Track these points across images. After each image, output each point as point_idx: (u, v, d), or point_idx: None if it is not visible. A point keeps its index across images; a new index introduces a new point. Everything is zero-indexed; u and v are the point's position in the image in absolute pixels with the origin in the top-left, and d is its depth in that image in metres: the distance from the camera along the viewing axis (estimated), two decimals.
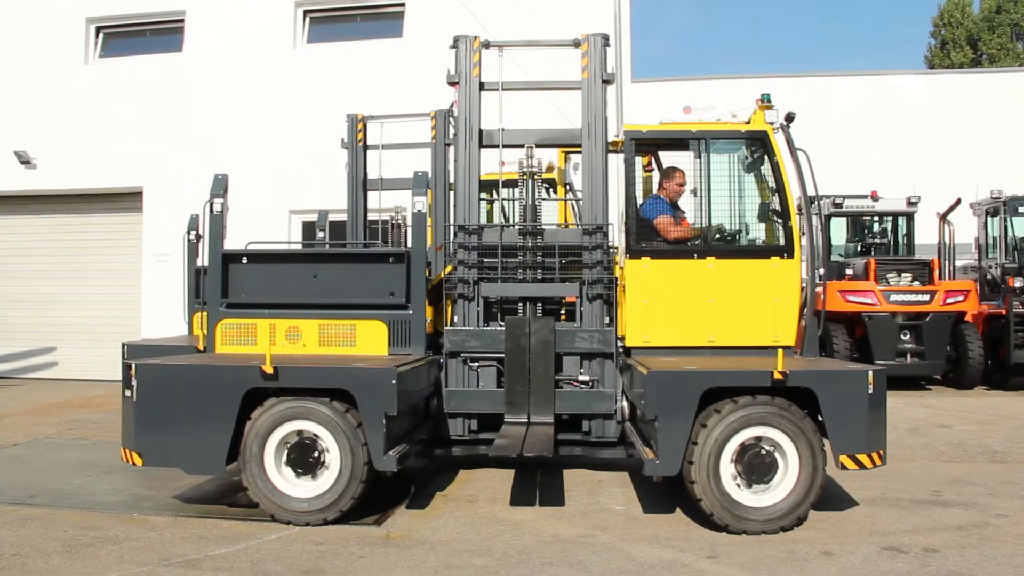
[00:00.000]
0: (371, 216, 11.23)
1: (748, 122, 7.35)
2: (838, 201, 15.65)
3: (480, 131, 7.61)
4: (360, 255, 7.78)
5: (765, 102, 7.27)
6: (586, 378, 7.35)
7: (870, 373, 6.02)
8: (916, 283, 14.45)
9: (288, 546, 5.71)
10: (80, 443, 9.77)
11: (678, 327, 7.19)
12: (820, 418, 6.06)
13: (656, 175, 7.98)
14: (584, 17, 19.36)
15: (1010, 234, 15.67)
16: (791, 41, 65.72)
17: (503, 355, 7.28)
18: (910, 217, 16.33)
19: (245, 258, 7.41)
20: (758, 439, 6.02)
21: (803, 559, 5.45)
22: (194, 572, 5.26)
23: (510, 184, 11.42)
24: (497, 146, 7.67)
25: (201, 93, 17.51)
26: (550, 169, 11.41)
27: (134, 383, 6.27)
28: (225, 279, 7.25)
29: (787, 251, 7.18)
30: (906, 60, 61.30)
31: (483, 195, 11.93)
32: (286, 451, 6.26)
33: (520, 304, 7.48)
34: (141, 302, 16.94)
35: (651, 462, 5.97)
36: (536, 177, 7.63)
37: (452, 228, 7.55)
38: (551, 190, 11.23)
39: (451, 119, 7.70)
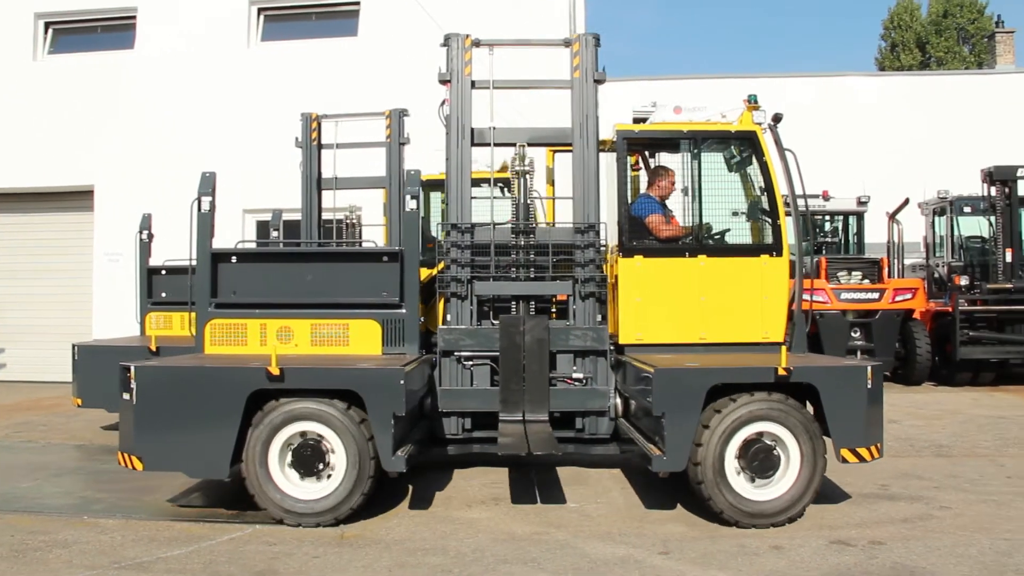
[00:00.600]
0: (325, 215, 11.16)
1: (737, 123, 7.55)
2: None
3: (472, 129, 7.64)
4: (353, 254, 7.81)
5: (752, 103, 7.46)
6: (580, 376, 7.43)
7: (868, 369, 6.22)
8: (866, 281, 14.74)
9: (241, 547, 5.68)
10: (28, 446, 9.63)
11: (670, 324, 7.33)
12: (816, 413, 6.27)
13: (643, 174, 8.18)
14: (539, 18, 19.39)
15: (956, 233, 16.05)
16: (747, 42, 66.37)
17: (497, 353, 7.33)
18: (860, 216, 16.62)
19: (234, 257, 7.39)
20: (760, 434, 6.17)
21: (753, 553, 5.56)
22: (145, 575, 5.17)
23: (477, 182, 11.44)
24: (488, 144, 7.73)
25: (153, 91, 17.27)
26: (504, 169, 11.41)
27: (133, 385, 6.15)
28: (214, 278, 7.18)
29: (776, 249, 7.36)
30: (858, 62, 62.13)
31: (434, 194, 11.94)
32: (290, 453, 6.23)
33: (512, 303, 7.54)
34: (92, 302, 16.67)
35: (658, 458, 6.07)
36: (528, 176, 7.80)
37: (445, 227, 7.56)
38: (506, 190, 11.22)
39: (442, 117, 7.83)
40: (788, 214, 7.40)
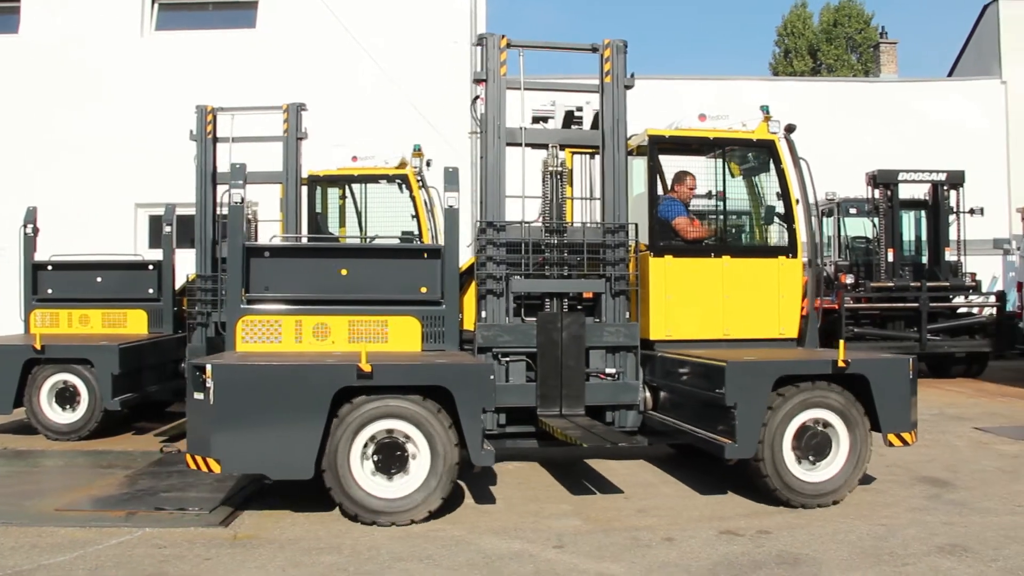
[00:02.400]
0: (221, 210, 10.90)
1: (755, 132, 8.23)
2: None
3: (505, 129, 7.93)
4: (392, 250, 8.03)
5: (766, 113, 8.15)
6: (612, 371, 7.85)
7: (910, 361, 7.07)
8: None
9: (130, 551, 5.66)
10: None
11: (697, 321, 7.95)
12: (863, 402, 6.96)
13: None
14: (440, 15, 19.38)
15: (842, 234, 16.69)
16: (647, 44, 67.43)
17: (533, 349, 7.67)
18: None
19: (268, 252, 7.42)
20: (816, 421, 6.87)
21: (646, 545, 5.90)
22: None
23: (366, 180, 11.37)
24: (520, 144, 8.00)
25: (40, 79, 16.69)
26: (403, 165, 11.39)
27: (210, 385, 6.11)
28: (246, 273, 7.20)
29: (791, 251, 8.11)
30: (753, 67, 63.70)
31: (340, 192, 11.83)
32: (372, 451, 6.37)
33: (541, 300, 7.89)
34: None
35: (731, 446, 6.63)
36: (561, 176, 8.06)
37: (480, 224, 7.82)
38: (403, 186, 11.20)
39: (474, 116, 8.14)
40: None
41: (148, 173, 16.61)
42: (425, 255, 7.44)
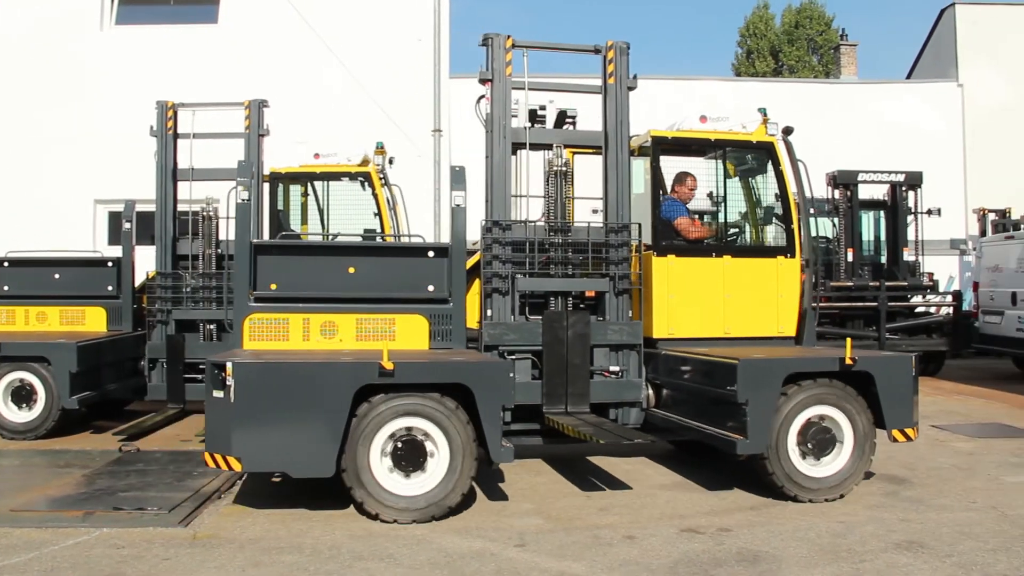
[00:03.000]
0: (181, 207, 10.83)
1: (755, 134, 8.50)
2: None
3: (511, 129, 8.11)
4: (399, 248, 8.14)
5: (765, 115, 8.41)
6: (616, 369, 8.04)
7: (913, 358, 7.36)
8: None
9: (87, 551, 5.63)
10: None
11: (699, 320, 8.18)
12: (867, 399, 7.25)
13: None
14: (404, 13, 19.30)
15: None
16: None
17: (540, 348, 7.81)
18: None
19: (276, 249, 7.53)
20: (821, 417, 7.12)
21: (607, 544, 5.97)
22: None
23: (329, 177, 11.32)
24: (524, 145, 8.15)
25: None
26: (365, 162, 11.35)
27: (230, 383, 6.15)
28: (254, 271, 7.25)
29: (789, 251, 8.37)
30: (715, 67, 64.15)
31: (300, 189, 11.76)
32: (392, 449, 6.45)
33: (544, 298, 8.07)
34: None
35: (742, 442, 6.84)
36: (566, 176, 8.18)
37: (486, 223, 7.93)
38: (365, 183, 11.15)
39: (479, 115, 8.21)
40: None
41: (108, 169, 16.41)
42: (432, 253, 7.53)
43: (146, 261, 11.15)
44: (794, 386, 7.02)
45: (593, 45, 8.27)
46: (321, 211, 12.11)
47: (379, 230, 11.54)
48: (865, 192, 16.52)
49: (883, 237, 17.28)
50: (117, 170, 15.98)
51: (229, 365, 6.15)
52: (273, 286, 7.24)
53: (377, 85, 18.20)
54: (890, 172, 16.57)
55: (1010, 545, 5.85)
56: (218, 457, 6.26)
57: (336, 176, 11.73)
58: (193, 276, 10.93)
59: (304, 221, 12.08)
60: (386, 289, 7.38)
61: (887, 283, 15.82)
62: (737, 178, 8.85)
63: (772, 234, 8.73)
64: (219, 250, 11.21)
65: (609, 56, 8.16)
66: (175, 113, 10.96)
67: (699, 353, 7.56)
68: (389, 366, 6.24)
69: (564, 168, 8.12)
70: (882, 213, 17.18)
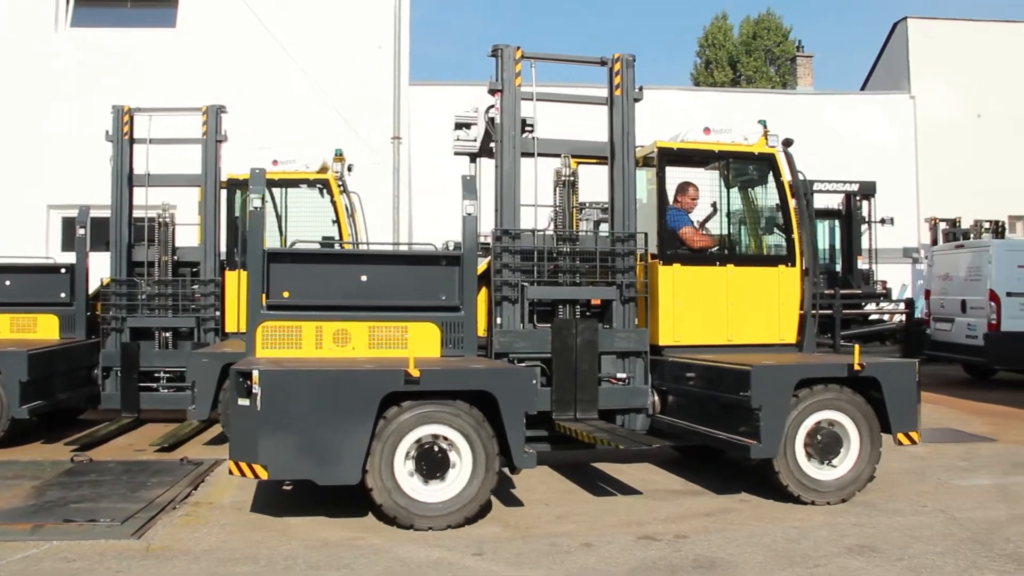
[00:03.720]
0: (137, 213, 10.69)
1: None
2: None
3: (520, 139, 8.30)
4: (412, 257, 8.19)
5: (765, 127, 8.67)
6: (623, 376, 8.24)
7: (916, 364, 7.63)
8: None
9: (35, 565, 5.62)
10: None
11: (703, 327, 8.41)
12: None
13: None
14: (364, 19, 19.23)
15: None
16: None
17: (549, 355, 7.97)
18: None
19: (289, 257, 7.55)
20: (828, 422, 7.39)
21: (565, 551, 6.02)
22: None
23: (287, 184, 11.24)
24: (532, 154, 8.26)
25: None
26: (324, 169, 11.28)
27: (257, 391, 6.22)
28: (267, 279, 7.30)
29: (790, 260, 8.64)
30: (674, 76, 64.79)
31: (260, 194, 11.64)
32: (416, 455, 6.54)
33: (551, 306, 8.19)
34: None
35: (756, 447, 7.05)
36: (574, 185, 8.44)
37: (496, 232, 8.09)
38: (324, 190, 11.07)
39: (490, 126, 8.34)
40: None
41: (62, 173, 16.19)
42: (444, 262, 7.65)
43: (100, 268, 11.06)
44: (804, 391, 7.29)
45: (599, 57, 8.50)
46: (279, 218, 12.01)
47: (337, 238, 11.47)
48: (820, 201, 16.75)
49: (838, 246, 17.58)
50: (71, 175, 15.79)
51: (256, 373, 6.22)
52: (286, 294, 7.31)
53: (336, 92, 18.17)
54: (844, 182, 16.86)
55: (958, 548, 6.04)
56: (243, 465, 6.32)
57: (294, 183, 11.68)
58: (149, 283, 10.91)
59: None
60: (398, 297, 7.48)
61: (842, 291, 16.05)
62: (739, 188, 9.12)
63: (773, 243, 9.00)
64: (175, 257, 11.11)
65: (616, 68, 8.36)
66: (131, 118, 10.91)
67: (711, 360, 7.80)
68: (416, 373, 6.35)
69: (572, 178, 8.33)
70: (836, 222, 17.48)
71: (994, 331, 15.40)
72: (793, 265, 8.59)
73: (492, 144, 8.52)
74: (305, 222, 11.75)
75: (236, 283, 10.76)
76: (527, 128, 8.59)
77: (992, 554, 5.93)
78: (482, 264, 8.20)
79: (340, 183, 11.82)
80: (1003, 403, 13.53)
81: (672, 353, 8.25)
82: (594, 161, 8.75)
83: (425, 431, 6.45)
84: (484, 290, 8.11)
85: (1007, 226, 20.73)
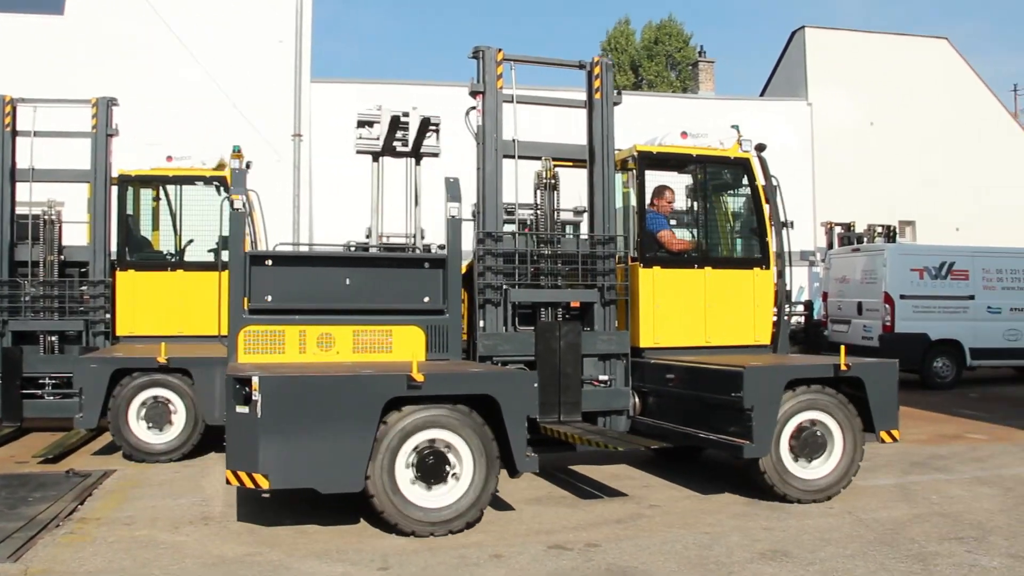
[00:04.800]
0: (21, 210, 10.11)
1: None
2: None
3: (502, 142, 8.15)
4: (396, 260, 7.95)
5: (739, 132, 8.82)
6: (605, 378, 8.20)
7: (896, 364, 7.80)
8: None
9: None
10: None
11: (682, 329, 8.44)
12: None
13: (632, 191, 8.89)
14: (266, 14, 18.72)
15: None
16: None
17: (533, 358, 7.88)
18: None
19: (270, 260, 7.30)
20: (812, 422, 7.43)
21: (474, 564, 5.88)
22: None
23: (182, 181, 10.77)
24: (512, 156, 8.14)
25: None
26: (221, 166, 10.86)
27: (256, 397, 5.95)
28: (248, 283, 7.06)
29: (764, 263, 8.72)
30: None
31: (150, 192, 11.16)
32: (417, 460, 6.37)
33: (533, 308, 8.11)
34: None
35: (748, 446, 7.09)
36: (555, 189, 8.26)
37: (478, 235, 7.97)
38: (221, 188, 10.65)
39: (468, 127, 8.21)
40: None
41: None
42: (428, 265, 7.53)
43: None
44: (788, 391, 7.32)
45: (579, 61, 8.46)
46: (173, 216, 11.52)
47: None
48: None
49: None
50: None
51: (255, 379, 5.97)
52: (268, 298, 7.09)
53: (236, 87, 17.64)
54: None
55: (867, 550, 6.04)
56: (242, 475, 6.05)
57: (190, 180, 11.17)
58: (33, 284, 10.23)
59: (155, 227, 11.47)
60: (382, 300, 7.34)
61: None
62: (714, 192, 9.13)
63: (747, 246, 9.01)
64: (62, 256, 10.52)
65: (595, 72, 8.34)
66: (14, 109, 10.30)
67: (700, 362, 7.80)
68: (420, 378, 6.18)
69: (553, 180, 8.23)
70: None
71: (888, 332, 15.93)
72: (767, 268, 8.68)
73: (396, 143, 8.36)
74: (201, 220, 11.30)
75: (128, 284, 10.37)
76: (401, 125, 8.36)
77: (899, 555, 5.93)
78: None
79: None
80: (900, 403, 13.82)
81: (652, 355, 8.25)
82: (570, 164, 8.69)
83: (426, 436, 6.30)
84: (464, 293, 7.94)
85: (898, 230, 21.46)
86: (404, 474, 6.29)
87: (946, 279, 16.25)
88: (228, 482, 6.13)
